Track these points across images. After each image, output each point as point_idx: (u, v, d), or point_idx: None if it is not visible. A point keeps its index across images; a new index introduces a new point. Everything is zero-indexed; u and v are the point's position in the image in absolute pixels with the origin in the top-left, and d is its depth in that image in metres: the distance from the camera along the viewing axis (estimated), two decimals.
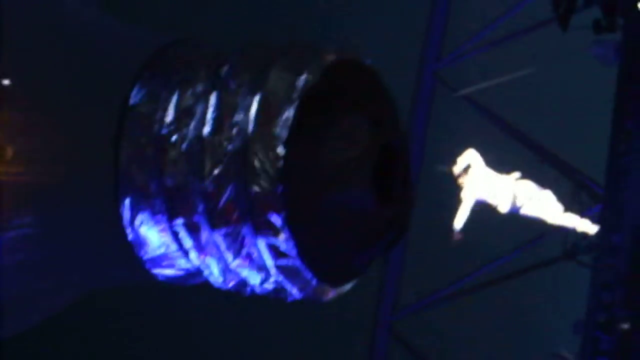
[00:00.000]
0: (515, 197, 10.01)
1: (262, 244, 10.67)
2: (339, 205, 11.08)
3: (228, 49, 11.60)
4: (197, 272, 11.54)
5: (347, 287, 11.59)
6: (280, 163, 10.35)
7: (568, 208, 20.81)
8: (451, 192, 14.18)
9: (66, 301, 13.08)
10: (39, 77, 11.78)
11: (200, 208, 10.86)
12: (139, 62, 11.71)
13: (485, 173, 10.10)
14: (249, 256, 10.87)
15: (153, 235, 11.38)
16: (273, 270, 10.82)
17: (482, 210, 16.86)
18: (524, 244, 21.00)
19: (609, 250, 18.44)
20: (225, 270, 11.28)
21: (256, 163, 10.46)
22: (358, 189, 11.17)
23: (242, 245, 10.85)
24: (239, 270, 11.10)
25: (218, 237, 10.90)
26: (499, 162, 10.52)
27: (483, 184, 10.04)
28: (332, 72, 10.98)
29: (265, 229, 10.55)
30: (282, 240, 10.54)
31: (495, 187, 10.02)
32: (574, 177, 20.98)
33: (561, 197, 17.66)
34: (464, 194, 9.98)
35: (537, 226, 21.33)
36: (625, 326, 17.79)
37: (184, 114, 11.08)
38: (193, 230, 11.09)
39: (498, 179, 10.06)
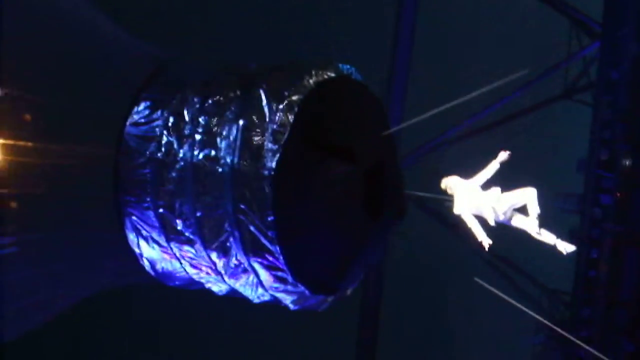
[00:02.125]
0: (499, 210, 9.95)
1: (254, 262, 10.90)
2: (329, 221, 11.16)
3: (217, 69, 11.67)
4: (199, 282, 11.88)
5: (345, 294, 11.89)
6: (268, 191, 10.41)
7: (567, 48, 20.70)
8: None
9: (70, 304, 13.41)
10: (40, 93, 11.79)
11: (193, 229, 11.10)
12: (137, 80, 11.84)
13: (469, 189, 10.06)
14: (243, 272, 11.14)
15: (156, 254, 11.74)
16: (268, 285, 11.08)
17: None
18: (523, 84, 20.86)
19: (607, 86, 18.28)
20: (222, 284, 11.59)
21: (246, 190, 10.56)
22: (349, 204, 11.26)
23: (235, 263, 11.08)
24: (234, 285, 11.40)
25: (213, 255, 11.14)
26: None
27: (470, 200, 9.98)
28: (319, 92, 10.93)
29: (256, 248, 10.74)
30: (273, 258, 10.72)
31: (481, 201, 9.96)
32: (571, 15, 20.72)
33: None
34: (458, 213, 10.01)
35: (535, 66, 21.28)
36: (627, 162, 17.75)
37: (178, 138, 11.19)
38: (189, 249, 11.37)
39: (483, 194, 10.00)
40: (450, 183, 10.33)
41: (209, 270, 11.43)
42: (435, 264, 26.38)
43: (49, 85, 11.86)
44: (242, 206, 10.57)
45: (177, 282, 12.22)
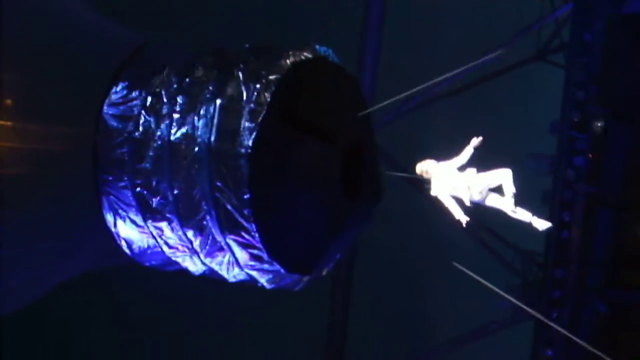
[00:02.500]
0: (475, 190, 10.04)
1: (230, 239, 10.91)
2: (306, 200, 11.17)
3: (197, 52, 11.67)
4: (175, 262, 11.86)
5: (321, 274, 11.88)
6: (244, 169, 10.44)
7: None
8: None
9: (53, 285, 13.24)
10: (21, 74, 11.75)
11: (170, 208, 11.10)
12: (116, 61, 11.79)
13: (445, 171, 10.16)
14: (219, 251, 11.16)
15: (133, 233, 11.69)
16: (243, 263, 11.11)
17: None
18: (496, 46, 20.81)
19: (581, 48, 18.28)
20: (198, 263, 11.57)
21: (222, 168, 10.58)
22: (326, 184, 11.26)
23: (211, 241, 11.09)
24: (210, 264, 11.42)
25: (190, 234, 11.15)
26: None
27: (446, 181, 10.08)
28: (296, 73, 10.94)
29: (232, 226, 10.76)
30: (249, 236, 10.74)
31: (457, 182, 10.05)
32: None
33: None
34: (435, 195, 10.09)
35: (508, 29, 21.24)
36: (599, 124, 17.80)
37: (155, 117, 11.18)
38: (166, 228, 11.33)
39: (458, 175, 10.08)
40: (425, 167, 10.37)
41: (186, 250, 11.45)
42: (409, 241, 26.40)
43: (28, 66, 11.85)
44: (219, 184, 10.61)
45: (153, 262, 12.21)
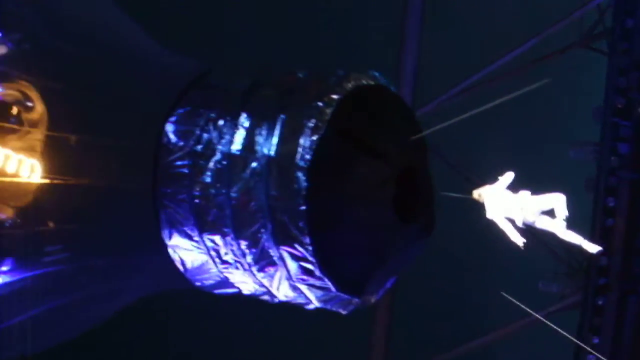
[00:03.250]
0: (528, 212, 10.35)
1: (283, 251, 11.26)
2: (360, 219, 11.46)
3: (255, 75, 12.18)
4: (228, 281, 12.21)
5: (370, 300, 12.20)
6: (302, 181, 10.89)
7: None
8: None
9: (112, 310, 13.67)
10: (82, 91, 12.26)
11: (226, 221, 11.47)
12: (181, 83, 12.36)
13: (499, 194, 10.45)
14: (272, 265, 11.52)
15: (188, 248, 12.03)
16: (294, 276, 11.44)
17: None
18: (539, 32, 20.75)
19: (623, 34, 18.19)
20: (250, 279, 11.91)
21: (280, 180, 11.05)
22: (380, 206, 11.57)
23: (265, 254, 11.45)
24: (264, 280, 11.75)
25: (244, 245, 11.50)
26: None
27: (500, 204, 10.38)
28: (357, 95, 11.46)
29: (286, 237, 11.15)
30: (302, 248, 11.11)
31: (510, 204, 10.35)
32: None
33: None
34: (492, 217, 10.40)
35: (551, 16, 21.14)
36: None
37: (217, 132, 11.60)
38: (220, 241, 11.69)
39: (512, 197, 10.38)
40: (481, 192, 10.73)
41: (238, 265, 11.77)
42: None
43: (93, 80, 12.38)
44: (275, 195, 11.05)
45: (205, 282, 12.49)
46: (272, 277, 11.62)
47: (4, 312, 12.21)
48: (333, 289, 11.41)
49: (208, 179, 11.56)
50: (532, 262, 18.96)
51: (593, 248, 10.32)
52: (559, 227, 10.27)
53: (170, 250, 12.17)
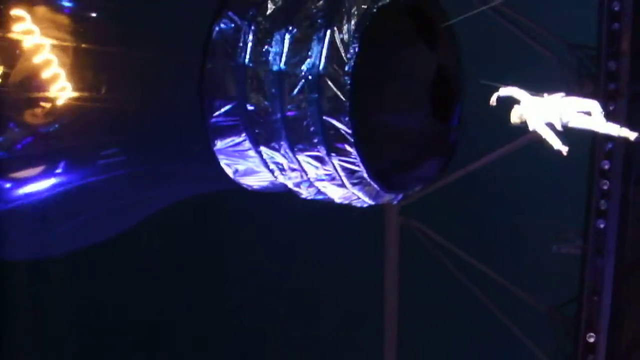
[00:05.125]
0: (565, 115, 10.17)
1: (336, 161, 12.01)
2: (399, 124, 12.50)
3: None
4: (282, 185, 12.87)
5: (392, 198, 13.09)
6: (348, 91, 11.59)
7: None
8: None
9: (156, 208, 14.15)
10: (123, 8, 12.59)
11: (279, 130, 12.07)
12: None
13: (535, 104, 10.27)
14: (326, 172, 12.25)
15: (241, 157, 12.58)
16: (346, 182, 12.22)
17: None
18: None
19: None
20: (308, 185, 12.66)
21: (328, 92, 11.70)
22: (416, 108, 12.58)
23: (320, 163, 12.18)
24: (318, 184, 12.52)
25: (301, 157, 12.19)
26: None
27: (538, 113, 10.20)
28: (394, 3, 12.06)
29: (338, 149, 11.91)
30: (352, 158, 11.91)
31: (548, 110, 10.16)
32: None
33: None
34: (531, 126, 10.21)
35: None
36: None
37: (263, 46, 12.09)
38: (276, 153, 12.33)
39: (548, 103, 10.18)
40: (521, 111, 10.58)
41: (295, 174, 12.50)
42: None
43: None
44: (325, 110, 11.70)
45: (256, 185, 13.09)
46: (327, 182, 12.37)
47: (57, 213, 12.54)
48: (364, 171, 12.01)
49: (258, 94, 12.04)
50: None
51: (632, 135, 10.47)
52: (598, 122, 10.42)
53: (218, 157, 12.61)
